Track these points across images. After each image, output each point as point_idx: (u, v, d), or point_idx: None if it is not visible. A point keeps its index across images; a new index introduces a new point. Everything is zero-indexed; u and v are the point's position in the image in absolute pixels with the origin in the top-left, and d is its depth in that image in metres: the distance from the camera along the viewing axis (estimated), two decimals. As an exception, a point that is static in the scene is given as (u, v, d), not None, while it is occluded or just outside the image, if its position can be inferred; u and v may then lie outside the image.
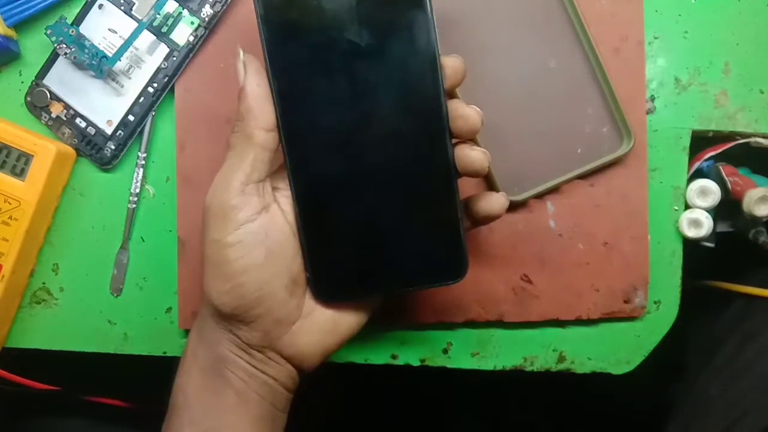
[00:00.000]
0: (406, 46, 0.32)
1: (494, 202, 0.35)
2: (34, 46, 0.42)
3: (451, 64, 0.33)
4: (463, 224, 0.34)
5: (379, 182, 0.34)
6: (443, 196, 0.34)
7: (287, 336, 0.35)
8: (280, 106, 0.33)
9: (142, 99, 0.42)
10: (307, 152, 0.33)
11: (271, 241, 0.33)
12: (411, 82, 0.33)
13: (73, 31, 0.40)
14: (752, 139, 0.43)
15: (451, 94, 0.37)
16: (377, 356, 0.44)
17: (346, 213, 0.34)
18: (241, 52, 0.33)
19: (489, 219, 0.35)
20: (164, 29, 0.41)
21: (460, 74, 0.33)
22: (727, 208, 0.44)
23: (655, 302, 0.43)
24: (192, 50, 0.41)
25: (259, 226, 0.33)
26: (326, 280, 0.35)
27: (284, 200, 0.35)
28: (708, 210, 0.42)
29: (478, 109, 0.33)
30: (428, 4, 0.32)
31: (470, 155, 0.33)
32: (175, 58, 0.41)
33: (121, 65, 0.41)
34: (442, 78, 0.33)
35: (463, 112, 0.33)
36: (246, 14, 0.42)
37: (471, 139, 0.34)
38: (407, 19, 0.32)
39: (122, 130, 0.42)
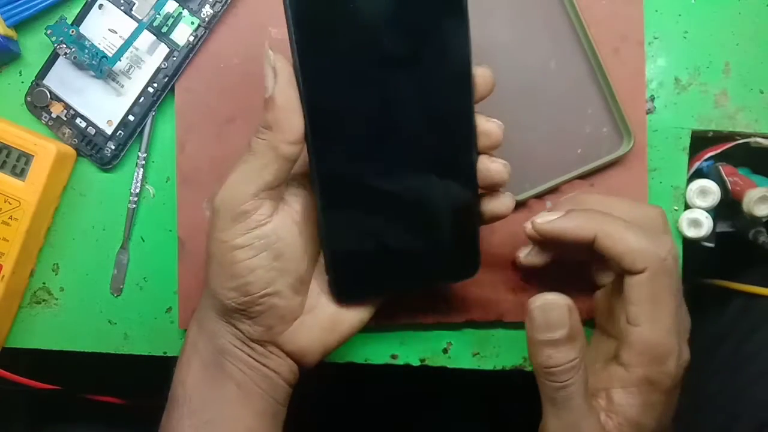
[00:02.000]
0: (442, 56, 0.32)
1: (501, 203, 0.35)
2: (34, 46, 0.43)
3: (481, 74, 0.33)
4: (479, 227, 0.35)
5: (404, 188, 0.34)
6: (464, 203, 0.34)
7: (288, 332, 0.35)
8: (309, 113, 0.32)
9: (142, 99, 0.42)
10: (335, 161, 0.33)
11: (281, 244, 0.33)
12: (443, 92, 0.32)
13: (73, 31, 0.40)
14: (752, 139, 0.43)
15: None
16: (377, 356, 0.44)
17: (370, 218, 0.34)
18: (271, 54, 0.31)
19: (495, 219, 0.35)
20: (164, 29, 0.41)
21: (490, 86, 0.33)
22: (727, 208, 0.44)
23: (655, 302, 0.43)
24: (192, 50, 0.41)
25: (271, 229, 0.33)
26: (347, 282, 0.35)
27: (292, 198, 0.34)
28: (708, 210, 0.42)
29: (500, 123, 0.33)
30: (466, 13, 0.31)
31: (491, 168, 0.33)
32: (175, 58, 0.41)
33: (121, 65, 0.41)
34: (473, 89, 0.33)
35: (485, 127, 0.33)
36: (246, 14, 0.42)
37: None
38: (444, 28, 0.32)
39: (122, 130, 0.42)
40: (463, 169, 0.34)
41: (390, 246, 0.35)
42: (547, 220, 0.36)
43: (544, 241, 0.38)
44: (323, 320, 0.35)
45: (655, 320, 0.33)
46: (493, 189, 0.35)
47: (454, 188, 0.34)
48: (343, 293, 0.35)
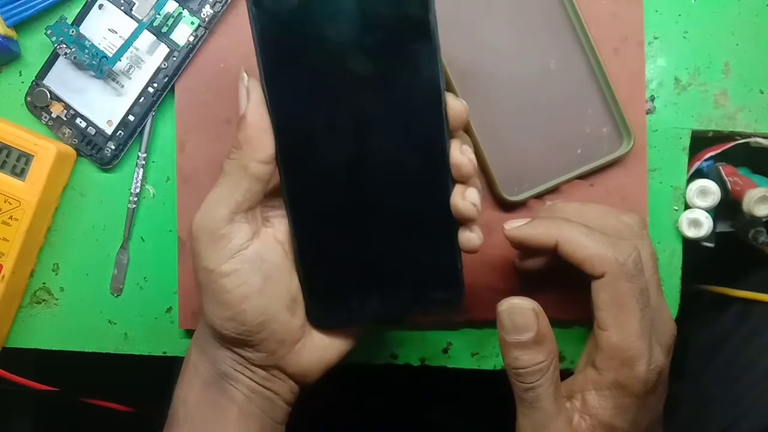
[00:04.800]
0: (410, 81, 0.31)
1: (467, 239, 0.33)
2: (34, 46, 0.43)
3: (452, 105, 0.32)
4: (461, 258, 0.34)
5: (377, 215, 0.33)
6: (441, 232, 0.33)
7: (291, 354, 0.35)
8: (278, 135, 0.32)
9: (142, 99, 0.42)
10: (305, 183, 0.33)
11: (268, 266, 0.33)
12: (413, 118, 0.32)
13: (73, 31, 0.40)
14: (752, 139, 0.43)
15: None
16: (377, 356, 0.44)
17: (343, 244, 0.34)
18: (245, 76, 0.32)
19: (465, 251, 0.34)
20: (164, 29, 0.41)
21: (460, 118, 0.32)
22: (727, 208, 0.44)
23: (655, 302, 0.43)
24: (192, 50, 0.41)
25: (254, 252, 0.33)
26: (322, 308, 0.35)
27: (276, 220, 0.34)
28: (708, 210, 0.42)
29: (472, 156, 0.32)
30: (435, 35, 0.31)
31: (459, 205, 0.32)
32: (175, 58, 0.41)
33: (121, 65, 0.41)
34: (446, 115, 0.32)
35: (456, 160, 0.32)
36: (246, 14, 0.42)
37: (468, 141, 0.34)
38: (412, 52, 0.31)
39: (122, 130, 0.42)
40: (437, 198, 0.33)
41: (365, 274, 0.34)
42: (514, 226, 0.36)
43: (517, 247, 0.38)
44: (323, 338, 0.35)
45: (620, 324, 0.33)
46: (462, 223, 0.33)
47: (430, 216, 0.33)
48: (319, 321, 0.35)
